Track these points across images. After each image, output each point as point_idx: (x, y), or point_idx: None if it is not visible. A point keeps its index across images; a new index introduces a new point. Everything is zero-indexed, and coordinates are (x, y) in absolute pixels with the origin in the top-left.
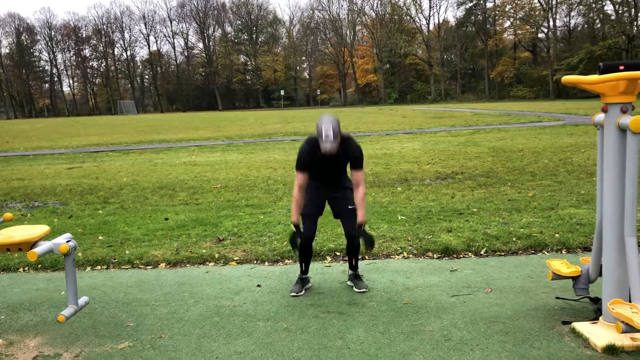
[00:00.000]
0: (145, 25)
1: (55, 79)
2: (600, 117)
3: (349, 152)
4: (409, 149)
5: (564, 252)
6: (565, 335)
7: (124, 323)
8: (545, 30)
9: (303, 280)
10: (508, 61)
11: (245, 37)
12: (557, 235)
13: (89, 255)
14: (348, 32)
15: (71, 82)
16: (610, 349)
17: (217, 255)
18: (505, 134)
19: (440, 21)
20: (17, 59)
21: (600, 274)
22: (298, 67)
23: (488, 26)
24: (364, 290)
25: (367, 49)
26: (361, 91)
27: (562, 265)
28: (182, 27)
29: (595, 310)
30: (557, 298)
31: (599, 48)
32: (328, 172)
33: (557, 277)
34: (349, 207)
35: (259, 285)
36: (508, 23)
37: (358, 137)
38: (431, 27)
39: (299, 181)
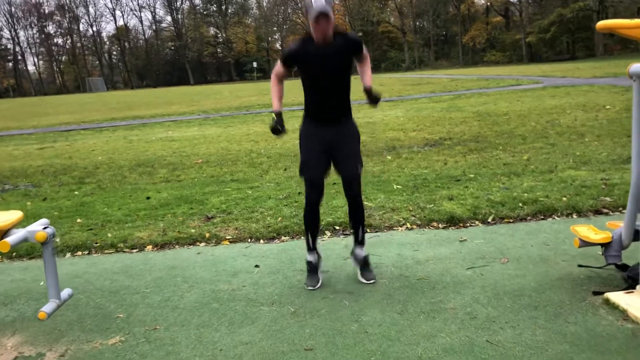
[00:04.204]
0: None
1: (19, 57)
2: (637, 67)
3: (349, 41)
4: (392, 116)
5: (574, 216)
6: (599, 308)
7: (113, 314)
8: None
9: (315, 266)
10: (481, 26)
11: (214, 8)
12: (564, 199)
13: (67, 240)
14: None
15: (36, 60)
16: None
17: (207, 235)
18: (487, 98)
19: None
20: None
21: (634, 239)
22: (270, 38)
23: None
24: (372, 281)
25: (339, 17)
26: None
27: (589, 231)
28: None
29: (625, 278)
30: (580, 266)
31: (570, 10)
32: (327, 85)
33: (586, 244)
34: (357, 171)
35: (257, 266)
36: None
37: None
38: None
39: (277, 72)
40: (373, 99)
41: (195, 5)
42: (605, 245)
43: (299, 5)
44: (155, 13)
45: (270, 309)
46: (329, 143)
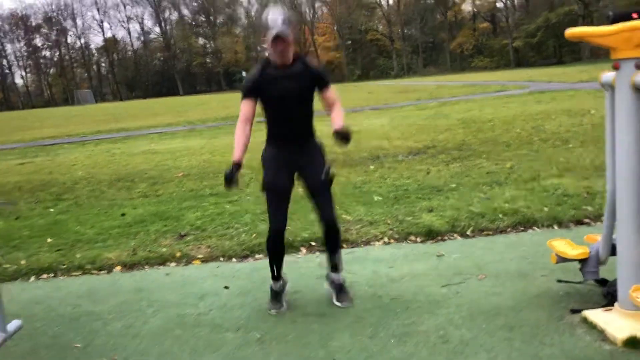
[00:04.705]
0: (98, 10)
1: (7, 70)
2: (608, 76)
3: (310, 69)
4: (377, 124)
5: (555, 227)
6: (577, 327)
7: (70, 344)
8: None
9: (279, 292)
10: (468, 33)
11: (203, 19)
12: (545, 209)
13: (33, 263)
14: (307, 10)
15: (24, 73)
16: (633, 342)
17: (178, 254)
18: (473, 105)
19: None
20: None
21: (612, 254)
22: (259, 48)
23: None
24: (347, 305)
25: (327, 26)
26: (324, 69)
27: (566, 246)
28: (136, 12)
29: (605, 294)
30: (559, 281)
31: (556, 15)
32: (290, 108)
33: (562, 260)
34: (322, 178)
35: (226, 287)
36: None
37: (324, 115)
38: (391, 1)
39: (244, 113)
40: (343, 138)
41: (183, 16)
42: (582, 261)
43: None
44: (143, 24)
45: (235, 335)
46: (294, 165)
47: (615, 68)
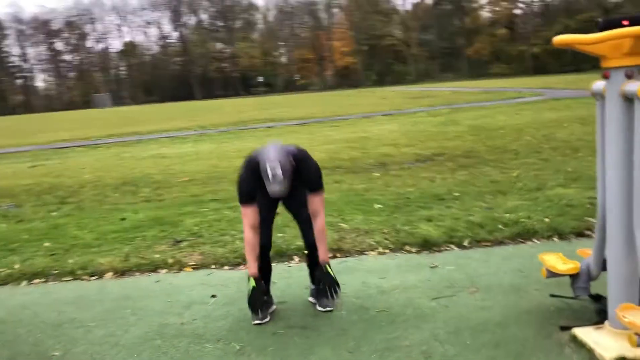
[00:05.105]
0: (117, 15)
1: (28, 74)
2: (599, 85)
3: (302, 174)
4: (387, 131)
5: (555, 239)
6: (565, 345)
7: (48, 352)
8: (522, 5)
9: (265, 303)
10: (485, 39)
11: (221, 23)
12: (546, 219)
13: (26, 267)
14: (324, 15)
15: (45, 76)
16: None
17: (171, 261)
18: (486, 112)
19: (417, 0)
20: None
21: (603, 269)
22: (276, 53)
23: (465, 3)
24: (329, 309)
25: (344, 31)
26: (340, 74)
27: (557, 260)
28: (155, 16)
29: (597, 311)
30: (552, 296)
31: (575, 22)
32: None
33: (553, 274)
34: (306, 213)
35: (213, 296)
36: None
37: (334, 120)
38: (408, 6)
39: (249, 219)
40: (329, 283)
41: (201, 20)
42: (573, 276)
43: (304, 20)
44: (161, 29)
45: (214, 347)
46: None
47: (605, 77)
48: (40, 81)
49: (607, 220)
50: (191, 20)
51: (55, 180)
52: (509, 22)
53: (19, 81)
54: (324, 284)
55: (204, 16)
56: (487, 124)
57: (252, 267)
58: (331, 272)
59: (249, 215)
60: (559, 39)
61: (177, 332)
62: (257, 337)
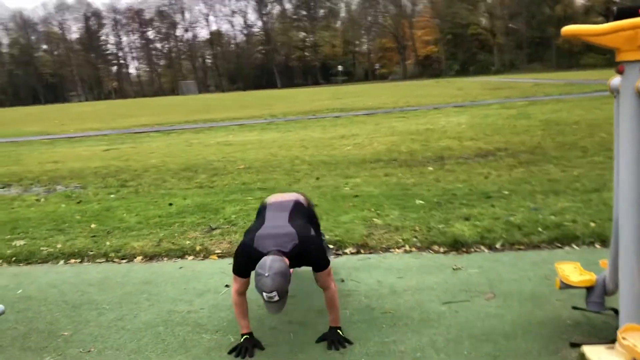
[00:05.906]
0: (205, 4)
1: (122, 61)
2: (616, 81)
3: (305, 259)
4: (454, 123)
5: (597, 245)
6: None
7: (59, 332)
8: None
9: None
10: None
11: (304, 12)
12: (592, 224)
13: (67, 248)
14: (407, 3)
15: (137, 64)
16: None
17: (198, 248)
18: (563, 105)
19: None
20: (86, 43)
21: None
22: (357, 42)
23: None
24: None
25: (427, 20)
26: (421, 64)
27: (573, 270)
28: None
29: (617, 328)
30: (574, 308)
31: None
32: None
33: (566, 286)
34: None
35: (227, 286)
36: None
37: (404, 111)
38: None
39: (239, 287)
40: (333, 338)
41: (285, 9)
42: (588, 289)
43: (387, 8)
44: (246, 18)
45: (210, 338)
46: None
47: (620, 72)
48: (133, 68)
49: (619, 230)
50: (275, 9)
51: (123, 163)
52: (606, 10)
53: (114, 68)
54: (330, 339)
55: (288, 5)
56: (560, 118)
57: (243, 326)
58: (341, 334)
59: (239, 283)
60: (567, 29)
61: (181, 320)
62: (254, 331)
